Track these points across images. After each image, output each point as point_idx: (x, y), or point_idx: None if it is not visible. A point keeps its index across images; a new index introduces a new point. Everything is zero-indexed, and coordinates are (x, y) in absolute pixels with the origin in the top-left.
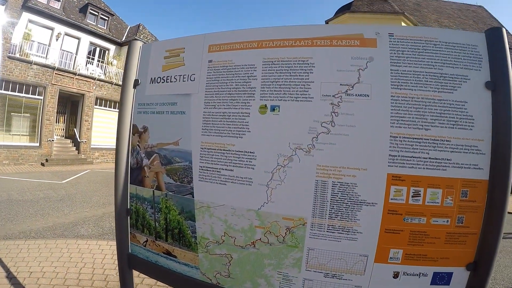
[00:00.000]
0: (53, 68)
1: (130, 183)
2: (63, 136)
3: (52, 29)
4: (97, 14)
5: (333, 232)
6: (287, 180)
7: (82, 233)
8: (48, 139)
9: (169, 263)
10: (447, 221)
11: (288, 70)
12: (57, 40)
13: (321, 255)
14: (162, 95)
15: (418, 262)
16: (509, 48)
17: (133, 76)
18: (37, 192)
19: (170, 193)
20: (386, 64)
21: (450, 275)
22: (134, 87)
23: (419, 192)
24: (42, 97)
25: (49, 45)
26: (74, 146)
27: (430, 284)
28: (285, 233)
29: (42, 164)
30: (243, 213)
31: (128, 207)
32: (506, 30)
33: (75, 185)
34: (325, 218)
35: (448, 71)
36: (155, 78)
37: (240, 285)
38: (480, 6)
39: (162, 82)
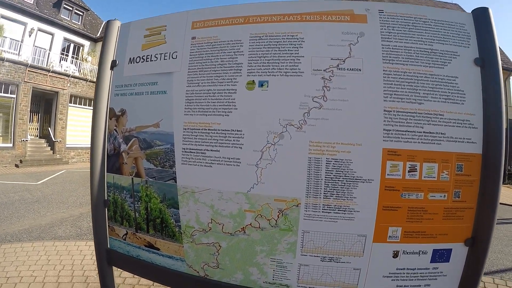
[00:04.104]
0: (26, 65)
1: (107, 172)
2: (37, 136)
3: (25, 24)
4: (71, 9)
5: (328, 212)
6: (278, 158)
7: (59, 235)
8: (22, 139)
9: (152, 256)
10: (444, 196)
11: (276, 45)
12: (30, 36)
13: (317, 238)
14: (141, 75)
15: (417, 240)
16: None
17: (110, 57)
18: (11, 194)
19: (151, 179)
20: (377, 39)
21: (449, 251)
22: (112, 68)
23: (415, 167)
24: (14, 96)
25: (22, 41)
26: (48, 146)
27: (430, 262)
28: (278, 216)
29: (16, 166)
30: (231, 196)
31: (106, 198)
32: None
33: (50, 186)
34: (320, 198)
35: (438, 47)
36: (134, 58)
37: (230, 276)
38: (455, 4)
39: (142, 62)
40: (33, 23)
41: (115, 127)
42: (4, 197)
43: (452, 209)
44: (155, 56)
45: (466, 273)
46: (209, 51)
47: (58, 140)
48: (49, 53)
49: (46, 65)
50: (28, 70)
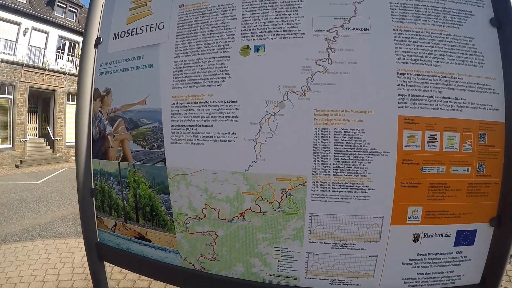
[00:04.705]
0: (22, 64)
1: (93, 158)
2: (36, 136)
3: (18, 24)
4: (65, 6)
5: (340, 192)
6: (280, 131)
7: (60, 232)
8: (21, 140)
9: (143, 249)
10: (468, 169)
11: (273, 6)
12: (24, 35)
13: (327, 222)
14: (126, 50)
15: (439, 221)
16: None
17: (94, 34)
18: (11, 194)
19: (138, 163)
20: None
21: (474, 233)
22: (96, 46)
23: (435, 137)
24: (11, 96)
25: (17, 41)
26: (48, 145)
27: (454, 245)
28: (281, 198)
29: (17, 166)
30: (227, 177)
31: (93, 187)
32: None
33: (51, 184)
34: (329, 175)
35: (450, 5)
36: (118, 33)
37: (229, 269)
38: None
39: (127, 36)
40: (27, 23)
41: (100, 109)
42: (5, 197)
43: (476, 184)
44: (140, 29)
45: (492, 256)
46: (199, 18)
47: (58, 138)
48: (44, 52)
49: (42, 64)
50: (24, 70)
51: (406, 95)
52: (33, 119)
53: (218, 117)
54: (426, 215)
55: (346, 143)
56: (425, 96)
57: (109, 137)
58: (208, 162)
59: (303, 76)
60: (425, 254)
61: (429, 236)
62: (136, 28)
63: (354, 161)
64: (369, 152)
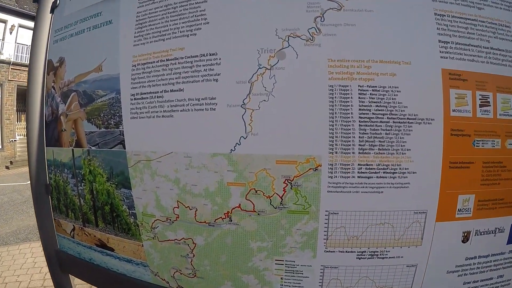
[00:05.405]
0: (9, 63)
1: (46, 146)
2: (26, 135)
3: (5, 22)
4: None
5: (369, 178)
6: (279, 91)
7: None
8: (10, 140)
9: (107, 260)
10: None
11: None
12: (11, 33)
13: (350, 222)
14: (83, 9)
15: (493, 212)
16: None
17: None
18: (0, 196)
19: (94, 147)
20: None
21: None
22: (52, 11)
23: (488, 99)
24: None
25: (3, 39)
26: None
27: (507, 244)
28: (284, 190)
29: (7, 167)
30: (205, 162)
31: (48, 182)
32: None
33: None
34: (353, 153)
35: None
36: None
37: None
38: None
39: None
40: (13, 20)
41: (53, 84)
42: None
43: None
44: None
45: None
46: None
47: None
48: None
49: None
50: (12, 68)
51: (448, 42)
52: (23, 118)
53: (191, 77)
54: (478, 206)
55: (376, 106)
56: (472, 45)
57: (61, 117)
58: (179, 142)
59: (309, 15)
60: (475, 257)
61: (480, 234)
62: None
63: (387, 132)
64: (407, 119)
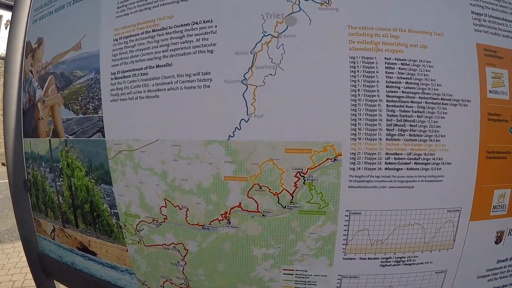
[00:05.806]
0: (3, 58)
1: (24, 137)
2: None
3: (0, 17)
4: None
5: (398, 169)
6: (288, 64)
7: None
8: None
9: (90, 265)
10: None
11: None
12: (6, 28)
13: (375, 224)
14: None
15: None
16: None
17: None
18: None
19: (71, 137)
20: None
21: None
22: None
23: None
24: None
25: None
26: None
27: None
28: (295, 186)
29: (3, 164)
30: (198, 151)
31: (26, 177)
32: None
33: None
34: (380, 140)
35: None
36: None
37: None
38: None
39: None
40: (8, 15)
41: (30, 67)
42: None
43: None
44: None
45: None
46: None
47: None
48: None
49: None
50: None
51: (482, 14)
52: None
53: (181, 48)
54: None
55: (406, 83)
56: (506, 20)
57: (38, 104)
58: (166, 127)
59: None
60: (506, 259)
61: None
62: None
63: (419, 115)
64: (441, 99)
